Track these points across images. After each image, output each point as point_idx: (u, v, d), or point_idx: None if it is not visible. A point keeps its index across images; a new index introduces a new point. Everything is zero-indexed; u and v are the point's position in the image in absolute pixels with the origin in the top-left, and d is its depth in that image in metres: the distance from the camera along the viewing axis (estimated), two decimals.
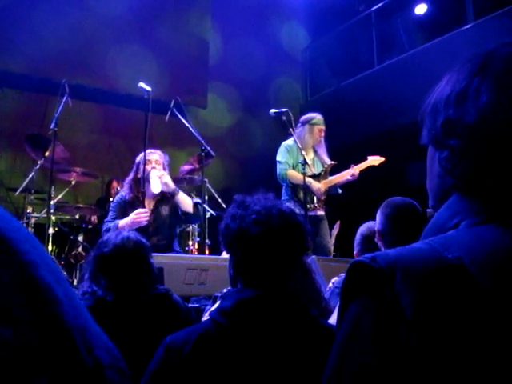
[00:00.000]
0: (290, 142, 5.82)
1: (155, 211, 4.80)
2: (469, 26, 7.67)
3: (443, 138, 0.88)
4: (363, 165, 5.88)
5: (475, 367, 0.68)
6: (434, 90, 0.94)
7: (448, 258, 0.76)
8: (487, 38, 6.90)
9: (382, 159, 5.98)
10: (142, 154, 4.85)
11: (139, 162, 4.84)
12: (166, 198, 4.86)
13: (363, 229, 3.26)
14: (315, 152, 5.83)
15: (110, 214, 4.92)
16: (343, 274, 3.22)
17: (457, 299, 0.72)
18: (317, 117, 5.83)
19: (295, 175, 5.64)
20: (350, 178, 5.75)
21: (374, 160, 5.96)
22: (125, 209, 4.73)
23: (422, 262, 0.77)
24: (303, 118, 5.90)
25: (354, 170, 5.71)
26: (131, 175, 4.86)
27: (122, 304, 2.44)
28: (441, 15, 8.90)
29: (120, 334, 2.41)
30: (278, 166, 5.76)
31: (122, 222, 4.53)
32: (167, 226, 4.81)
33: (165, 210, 4.84)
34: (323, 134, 5.83)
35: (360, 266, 0.80)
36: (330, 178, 5.78)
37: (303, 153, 5.34)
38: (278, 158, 5.80)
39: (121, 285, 2.47)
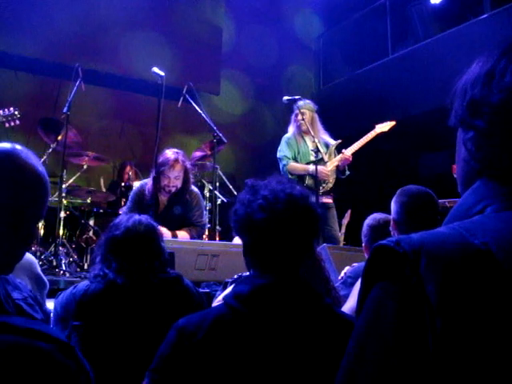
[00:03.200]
0: (289, 134, 5.81)
1: (167, 209, 4.81)
2: (485, 15, 7.58)
3: (469, 119, 0.87)
4: (370, 135, 5.77)
5: (501, 353, 0.68)
6: (464, 73, 0.93)
7: (474, 244, 0.75)
8: (504, 28, 6.83)
9: (393, 123, 5.86)
10: (165, 156, 4.75)
11: (161, 166, 4.72)
12: (179, 197, 4.86)
13: (369, 220, 3.25)
14: (316, 137, 5.71)
15: (128, 203, 4.98)
16: (356, 264, 3.25)
17: (483, 285, 0.71)
18: (298, 103, 5.65)
19: (294, 167, 5.61)
20: (342, 162, 5.61)
21: (383, 126, 5.86)
22: (142, 200, 4.77)
23: (448, 247, 0.75)
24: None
25: (345, 155, 5.57)
26: (153, 172, 4.82)
27: (132, 287, 2.45)
28: (456, 5, 8.80)
29: (130, 316, 2.43)
30: (280, 163, 5.74)
31: None
32: (178, 225, 4.80)
33: (177, 210, 4.84)
34: (303, 117, 5.63)
35: (383, 250, 0.79)
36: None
37: (315, 140, 5.32)
38: (278, 154, 5.78)
39: (131, 268, 2.48)
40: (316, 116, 5.82)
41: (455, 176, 0.99)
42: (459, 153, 0.94)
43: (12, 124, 4.80)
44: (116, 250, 2.52)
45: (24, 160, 1.25)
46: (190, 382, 1.49)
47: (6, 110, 4.86)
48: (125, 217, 2.69)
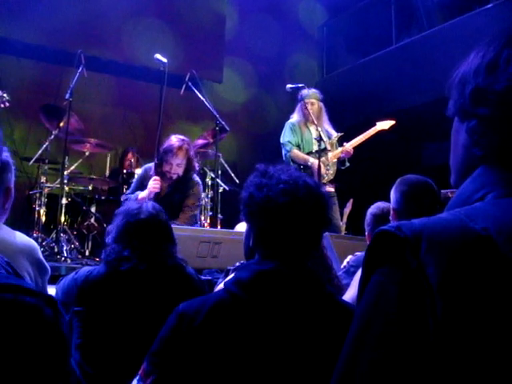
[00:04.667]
0: (293, 120, 5.79)
1: (167, 196, 4.80)
2: (490, 5, 7.52)
3: (471, 107, 0.88)
4: (372, 131, 5.80)
5: (501, 337, 0.69)
6: (460, 65, 0.94)
7: (474, 229, 0.76)
8: (508, 18, 6.79)
9: (392, 122, 5.89)
10: (170, 142, 4.77)
11: (164, 151, 4.76)
12: (180, 185, 4.86)
13: (373, 209, 3.26)
14: (319, 126, 5.72)
15: (132, 185, 5.06)
16: (358, 253, 3.25)
17: (482, 269, 0.72)
18: (303, 92, 5.67)
19: (297, 154, 5.61)
20: (343, 155, 5.67)
21: (384, 124, 5.88)
22: (144, 183, 4.79)
23: (448, 232, 0.77)
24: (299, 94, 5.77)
25: (346, 148, 5.63)
26: (156, 159, 4.83)
27: (151, 271, 2.48)
28: None
29: (132, 301, 2.44)
30: (283, 149, 5.73)
31: (141, 195, 4.63)
32: (176, 212, 4.78)
33: (176, 197, 4.83)
34: (312, 107, 5.67)
35: (384, 235, 0.79)
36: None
37: (319, 129, 5.31)
38: (282, 139, 5.78)
39: (153, 252, 2.52)
40: (322, 106, 5.82)
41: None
42: (456, 142, 0.96)
43: (2, 106, 4.83)
44: (139, 233, 2.54)
45: None
46: (188, 365, 1.50)
47: None
48: (144, 203, 2.73)
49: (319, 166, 5.31)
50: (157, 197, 4.59)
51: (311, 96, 5.70)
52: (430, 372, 0.70)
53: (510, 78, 0.82)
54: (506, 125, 0.83)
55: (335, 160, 5.69)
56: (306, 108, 5.61)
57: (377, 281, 0.80)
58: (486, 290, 0.71)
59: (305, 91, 5.65)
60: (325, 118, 5.82)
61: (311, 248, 1.69)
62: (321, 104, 5.80)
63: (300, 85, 5.49)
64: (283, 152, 5.71)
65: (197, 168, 5.02)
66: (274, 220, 1.60)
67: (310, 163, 5.46)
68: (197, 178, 4.99)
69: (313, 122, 5.55)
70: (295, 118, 5.80)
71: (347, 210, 6.72)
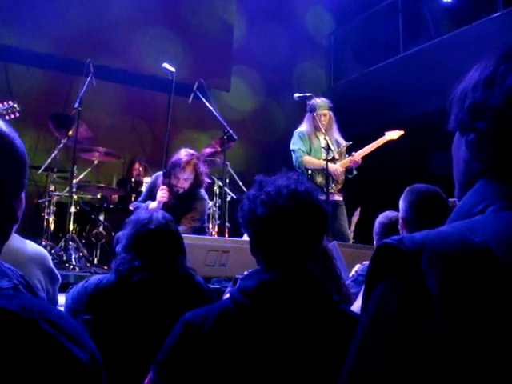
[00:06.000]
0: (301, 128, 5.79)
1: (172, 208, 4.78)
2: (498, 14, 7.53)
3: (470, 121, 0.90)
4: (380, 141, 5.80)
5: (498, 345, 0.70)
6: (462, 80, 0.96)
7: (474, 242, 0.77)
8: None
9: (401, 132, 5.88)
10: (179, 156, 4.76)
11: (172, 165, 4.76)
12: (185, 199, 4.86)
13: (381, 218, 3.25)
14: (328, 135, 5.73)
15: (143, 193, 5.10)
16: (366, 262, 3.23)
17: (482, 281, 0.74)
18: (316, 103, 5.63)
19: (310, 161, 5.61)
20: (351, 164, 5.68)
21: (393, 134, 5.88)
22: (154, 192, 4.82)
23: (449, 245, 0.78)
24: (308, 104, 5.71)
25: (355, 157, 5.64)
26: (164, 169, 4.84)
27: (149, 282, 2.48)
28: (469, 3, 8.75)
29: (141, 310, 2.44)
30: (293, 155, 5.72)
31: (152, 205, 4.65)
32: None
33: (180, 210, 4.81)
34: (323, 119, 5.66)
35: (386, 248, 0.81)
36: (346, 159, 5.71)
37: (327, 138, 5.30)
38: (292, 146, 5.76)
39: (163, 262, 2.53)
40: (332, 115, 5.82)
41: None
42: (457, 155, 0.98)
43: (12, 116, 4.87)
44: (149, 243, 2.55)
45: None
46: (194, 374, 1.50)
47: (6, 103, 4.93)
48: (153, 212, 2.73)
49: (327, 175, 5.30)
50: (162, 208, 4.60)
51: (323, 107, 5.68)
52: (431, 379, 0.72)
53: (505, 92, 0.84)
54: (503, 138, 0.85)
55: (344, 169, 5.68)
56: (319, 120, 5.57)
57: (379, 292, 0.81)
58: (485, 300, 0.72)
59: (315, 102, 5.62)
60: (335, 127, 5.81)
61: (309, 255, 1.68)
62: (331, 113, 5.79)
63: (308, 94, 5.48)
64: (294, 158, 5.70)
65: (207, 182, 5.01)
66: (257, 231, 1.64)
67: (325, 166, 5.45)
68: (203, 193, 4.97)
69: (321, 131, 5.55)
70: (304, 127, 5.78)
71: (355, 219, 6.72)
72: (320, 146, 5.61)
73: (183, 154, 4.74)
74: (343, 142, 5.80)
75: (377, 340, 0.77)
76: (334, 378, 1.44)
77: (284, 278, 1.58)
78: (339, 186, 5.68)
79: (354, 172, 5.78)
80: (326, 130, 5.45)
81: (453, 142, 1.01)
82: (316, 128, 5.65)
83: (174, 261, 2.58)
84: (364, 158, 5.70)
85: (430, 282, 0.74)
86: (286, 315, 1.53)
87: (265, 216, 1.59)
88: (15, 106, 4.92)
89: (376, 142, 5.79)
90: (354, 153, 5.67)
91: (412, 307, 0.75)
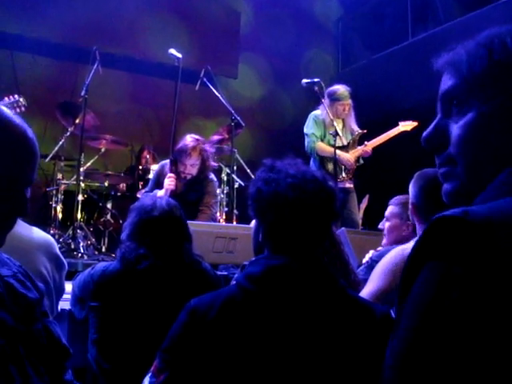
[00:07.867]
0: (318, 112, 5.71)
1: (182, 195, 4.76)
2: None
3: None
4: (394, 131, 5.77)
5: None
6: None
7: None
8: None
9: (415, 124, 5.83)
10: (184, 142, 4.75)
11: (178, 151, 4.74)
12: (194, 185, 4.84)
13: (395, 201, 3.25)
14: (344, 122, 5.70)
15: (150, 182, 5.09)
16: (380, 248, 3.21)
17: None
18: (338, 91, 5.61)
19: (323, 147, 5.57)
20: (362, 154, 5.67)
21: (406, 125, 5.83)
22: (161, 180, 4.80)
23: None
24: (328, 90, 5.66)
25: (367, 148, 5.63)
26: (171, 156, 4.83)
27: (154, 268, 2.47)
28: None
29: (148, 297, 2.43)
30: (306, 139, 5.68)
31: (159, 193, 4.62)
32: (191, 211, 4.74)
33: (191, 196, 4.81)
34: (347, 108, 5.64)
35: (448, 222, 0.68)
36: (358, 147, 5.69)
37: (334, 124, 5.27)
38: (306, 130, 5.71)
39: (168, 249, 2.52)
40: (352, 104, 5.76)
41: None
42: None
43: (18, 110, 4.87)
44: (153, 230, 2.54)
45: (9, 120, 1.15)
46: (200, 361, 1.49)
47: (12, 97, 4.93)
48: (157, 199, 2.70)
49: (335, 161, 5.27)
50: (172, 195, 4.58)
51: (347, 97, 5.63)
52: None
53: None
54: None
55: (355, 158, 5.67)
56: (342, 109, 5.57)
57: (432, 279, 0.69)
58: None
59: (338, 90, 5.60)
60: (353, 114, 5.77)
61: (320, 241, 1.68)
62: (351, 102, 5.73)
63: (316, 79, 5.44)
64: (306, 142, 5.66)
65: (214, 166, 5.00)
66: (284, 215, 1.59)
67: (337, 156, 5.42)
68: (211, 176, 4.97)
69: (339, 118, 5.54)
70: (321, 112, 5.68)
71: (363, 206, 6.70)
72: (338, 133, 5.56)
73: (188, 139, 4.72)
74: (358, 130, 5.76)
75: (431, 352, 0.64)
76: (339, 364, 1.44)
77: (292, 263, 1.56)
78: (350, 176, 5.66)
79: (361, 161, 5.76)
80: (346, 119, 5.45)
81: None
82: (334, 116, 5.57)
83: (179, 247, 2.56)
84: (373, 148, 5.68)
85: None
86: (292, 301, 1.52)
87: (295, 199, 1.56)
88: (21, 100, 4.92)
89: (389, 132, 5.76)
90: (366, 142, 5.65)
91: (488, 308, 0.62)
